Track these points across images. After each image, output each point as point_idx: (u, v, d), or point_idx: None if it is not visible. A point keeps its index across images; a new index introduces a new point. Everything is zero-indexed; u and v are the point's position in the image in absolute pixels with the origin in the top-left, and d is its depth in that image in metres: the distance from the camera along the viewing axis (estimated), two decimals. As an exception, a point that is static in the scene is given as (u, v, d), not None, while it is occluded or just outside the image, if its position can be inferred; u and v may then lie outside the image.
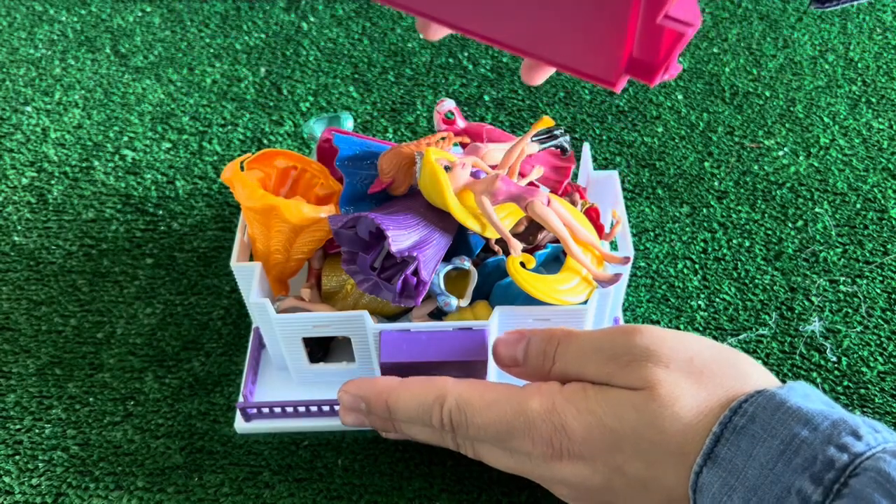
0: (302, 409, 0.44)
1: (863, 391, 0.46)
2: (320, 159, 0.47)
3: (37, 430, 0.45)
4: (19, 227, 0.56)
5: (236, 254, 0.43)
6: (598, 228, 0.43)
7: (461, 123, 0.47)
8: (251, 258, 0.45)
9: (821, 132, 0.61)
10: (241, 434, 0.45)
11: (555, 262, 0.43)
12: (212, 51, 0.68)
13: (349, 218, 0.39)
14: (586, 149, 0.49)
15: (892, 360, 0.47)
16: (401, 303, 0.38)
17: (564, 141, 0.45)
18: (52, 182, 0.58)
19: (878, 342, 0.48)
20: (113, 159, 0.60)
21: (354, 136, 0.44)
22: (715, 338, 0.49)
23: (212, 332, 0.49)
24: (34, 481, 0.43)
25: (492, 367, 0.40)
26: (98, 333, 0.50)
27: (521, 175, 0.43)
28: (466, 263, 0.41)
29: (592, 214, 0.44)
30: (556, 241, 0.42)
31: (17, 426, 0.46)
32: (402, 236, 0.38)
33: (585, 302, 0.39)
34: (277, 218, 0.40)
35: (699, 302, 0.50)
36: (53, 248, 0.54)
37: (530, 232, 0.43)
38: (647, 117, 0.62)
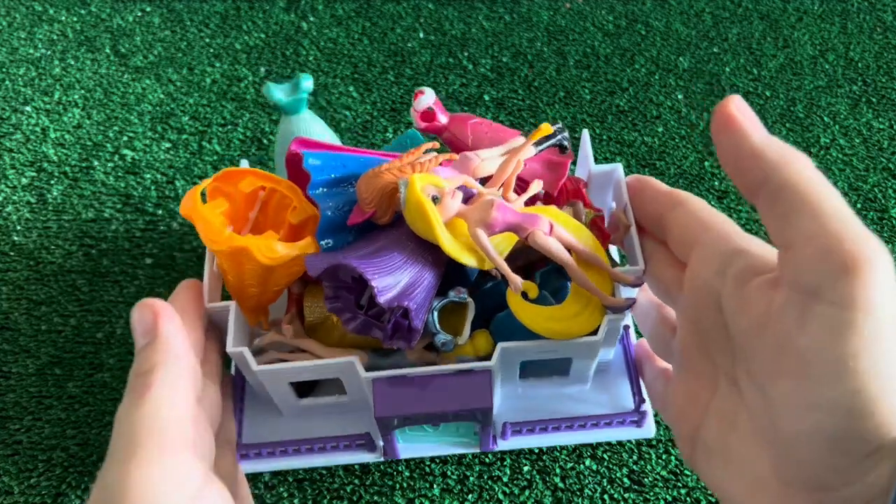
0: (297, 448, 0.41)
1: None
2: (290, 174, 0.41)
3: (36, 430, 0.45)
4: (19, 227, 0.56)
5: (207, 290, 0.38)
6: (605, 236, 0.39)
7: (443, 119, 0.42)
8: (223, 289, 0.40)
9: (821, 132, 0.61)
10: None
11: (558, 275, 0.39)
12: (212, 50, 0.68)
13: (328, 266, 0.35)
14: (586, 138, 0.43)
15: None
16: (393, 345, 0.36)
17: (563, 138, 0.41)
18: (52, 182, 0.58)
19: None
20: (113, 159, 0.60)
21: (326, 148, 0.39)
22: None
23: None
24: (33, 481, 0.43)
25: (496, 407, 0.38)
26: (98, 333, 0.50)
27: (517, 189, 0.39)
28: (463, 296, 0.37)
29: (599, 223, 0.39)
30: None
31: (17, 426, 0.46)
32: (388, 285, 0.34)
33: (596, 331, 0.36)
34: (247, 258, 0.36)
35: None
36: (53, 247, 0.54)
37: (532, 248, 0.38)
38: (647, 117, 0.62)
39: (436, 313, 0.36)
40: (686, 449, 0.32)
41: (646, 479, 0.44)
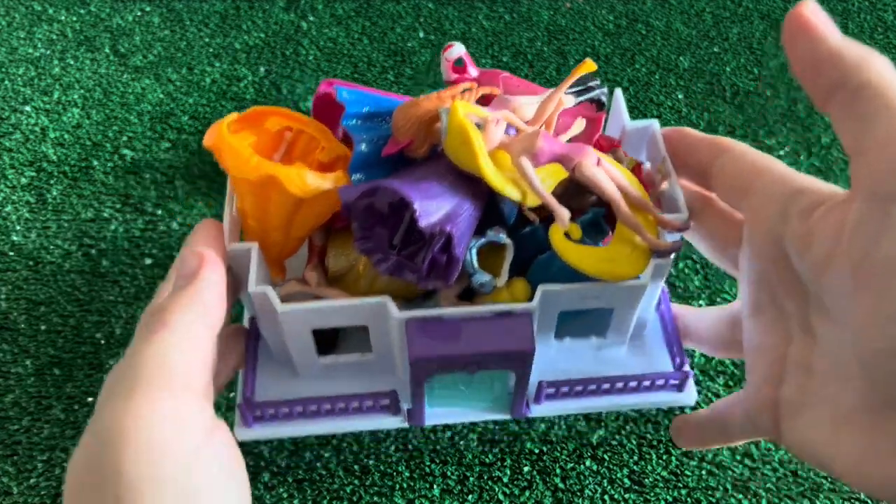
0: (314, 407, 0.37)
1: (864, 391, 0.46)
2: (316, 116, 0.38)
3: (35, 431, 0.45)
4: (18, 227, 0.55)
5: (228, 233, 0.35)
6: (645, 187, 0.36)
7: (473, 72, 0.41)
8: (241, 238, 0.37)
9: (822, 132, 0.61)
10: (242, 441, 0.38)
11: (593, 228, 0.37)
12: (211, 50, 0.68)
13: (365, 188, 0.32)
14: (619, 97, 0.41)
15: (893, 360, 0.47)
16: (427, 285, 0.33)
17: (602, 93, 0.39)
18: (52, 182, 0.58)
19: (879, 342, 0.48)
20: (112, 159, 0.60)
21: (360, 88, 0.37)
22: (716, 338, 0.49)
23: (211, 333, 0.49)
24: (32, 481, 0.43)
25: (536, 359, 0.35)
26: (97, 333, 0.50)
27: (557, 132, 0.37)
28: (503, 236, 0.35)
29: (638, 173, 0.37)
30: (596, 204, 0.37)
31: (16, 426, 0.46)
32: (430, 208, 0.32)
33: (641, 276, 0.34)
34: (276, 190, 0.34)
35: (701, 302, 0.50)
36: (52, 247, 0.54)
37: (571, 196, 0.36)
38: (647, 117, 0.62)
39: (474, 251, 0.34)
40: (769, 420, 0.30)
41: (646, 480, 0.44)
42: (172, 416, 0.27)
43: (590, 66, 0.36)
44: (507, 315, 0.34)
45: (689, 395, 0.39)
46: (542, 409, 0.39)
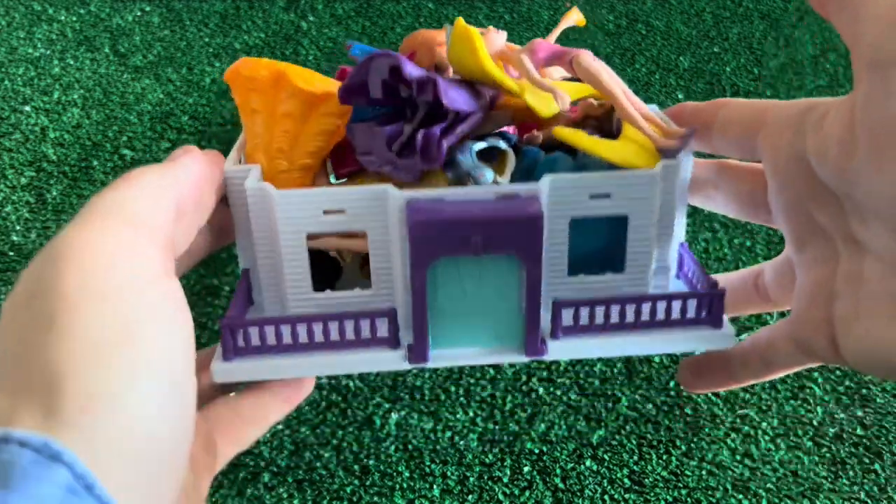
0: (304, 332, 0.32)
1: (864, 391, 0.46)
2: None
3: (35, 431, 0.45)
4: (18, 227, 0.55)
5: (233, 159, 0.34)
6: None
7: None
8: None
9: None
10: (220, 381, 0.32)
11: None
12: (211, 50, 0.68)
13: (360, 64, 0.31)
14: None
15: (893, 360, 0.47)
16: (423, 166, 0.32)
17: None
18: (52, 182, 0.58)
19: (879, 342, 0.48)
20: (112, 159, 0.60)
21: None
22: (716, 338, 0.49)
23: (211, 333, 0.49)
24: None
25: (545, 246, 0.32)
26: (97, 333, 0.50)
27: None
28: (503, 143, 0.34)
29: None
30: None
31: (16, 427, 0.46)
32: (417, 69, 0.31)
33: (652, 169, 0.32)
34: (286, 91, 0.34)
35: (700, 302, 0.50)
36: (52, 247, 0.54)
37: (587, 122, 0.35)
38: (647, 117, 0.62)
39: (473, 152, 0.33)
40: (824, 341, 0.30)
41: (646, 480, 0.44)
42: (127, 244, 0.25)
43: (578, 17, 0.36)
44: (512, 197, 0.32)
45: (727, 334, 0.34)
46: (560, 350, 0.34)
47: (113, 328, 0.23)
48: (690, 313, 0.34)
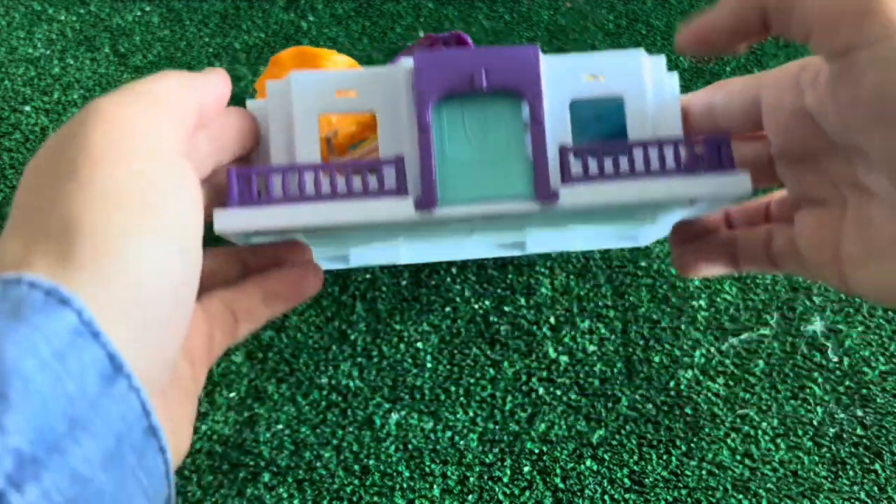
0: (310, 179, 0.32)
1: (865, 391, 0.46)
2: None
3: (35, 431, 0.45)
4: (18, 227, 0.55)
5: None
6: None
7: None
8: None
9: (822, 131, 0.61)
10: (221, 230, 0.31)
11: None
12: (211, 50, 0.68)
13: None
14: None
15: (893, 359, 0.47)
16: None
17: None
18: (51, 182, 0.58)
19: (879, 342, 0.48)
20: (112, 159, 0.60)
21: None
22: (716, 338, 0.49)
23: (211, 333, 0.49)
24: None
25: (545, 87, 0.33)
26: (97, 334, 0.50)
27: None
28: None
29: None
30: None
31: (16, 427, 0.46)
32: None
33: None
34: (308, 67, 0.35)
35: (700, 302, 0.50)
36: (52, 247, 0.54)
37: None
38: (647, 116, 0.62)
39: None
40: (833, 274, 0.31)
41: (646, 480, 0.44)
42: (151, 119, 0.26)
43: None
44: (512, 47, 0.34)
45: (742, 179, 0.33)
46: (573, 194, 0.32)
47: (131, 189, 0.24)
48: (702, 157, 0.33)
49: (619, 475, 0.44)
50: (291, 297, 0.36)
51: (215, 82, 0.31)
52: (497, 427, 0.46)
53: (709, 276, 0.40)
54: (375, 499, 0.43)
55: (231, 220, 0.31)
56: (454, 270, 0.51)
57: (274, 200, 0.32)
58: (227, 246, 0.36)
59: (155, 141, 0.25)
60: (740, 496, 0.43)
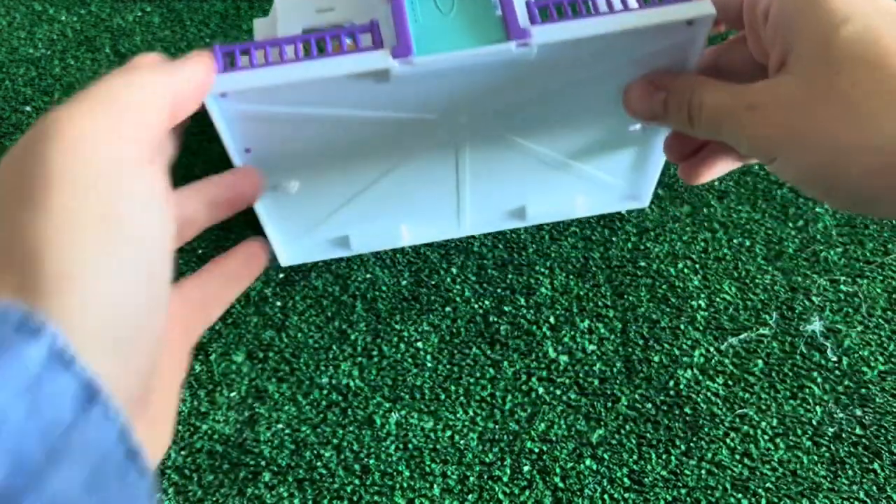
0: (290, 49, 0.34)
1: (864, 391, 0.46)
2: None
3: (37, 431, 0.45)
4: (19, 227, 0.55)
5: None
6: None
7: None
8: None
9: (821, 131, 0.61)
10: (216, 92, 0.35)
11: None
12: (211, 50, 0.68)
13: None
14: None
15: (892, 359, 0.47)
16: None
17: None
18: (52, 182, 0.58)
19: (878, 342, 0.48)
20: (113, 159, 0.60)
21: None
22: (715, 338, 0.49)
23: (212, 332, 0.49)
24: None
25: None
26: (98, 333, 0.50)
27: None
28: None
29: None
30: None
31: (17, 426, 0.46)
32: None
33: None
34: None
35: (700, 301, 0.50)
36: (53, 247, 0.54)
37: None
38: (647, 117, 0.62)
39: None
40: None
41: (646, 479, 0.44)
42: (113, 129, 0.25)
43: None
44: None
45: (705, 3, 0.36)
46: (543, 31, 0.34)
47: (92, 208, 0.23)
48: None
49: (618, 474, 0.44)
50: (246, 277, 0.37)
51: (193, 69, 0.30)
52: (497, 426, 0.46)
53: (716, 177, 0.41)
54: (376, 498, 0.43)
55: (220, 84, 0.34)
56: (454, 270, 0.51)
57: (257, 66, 0.34)
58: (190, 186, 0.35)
59: (116, 153, 0.24)
60: (739, 496, 0.43)
